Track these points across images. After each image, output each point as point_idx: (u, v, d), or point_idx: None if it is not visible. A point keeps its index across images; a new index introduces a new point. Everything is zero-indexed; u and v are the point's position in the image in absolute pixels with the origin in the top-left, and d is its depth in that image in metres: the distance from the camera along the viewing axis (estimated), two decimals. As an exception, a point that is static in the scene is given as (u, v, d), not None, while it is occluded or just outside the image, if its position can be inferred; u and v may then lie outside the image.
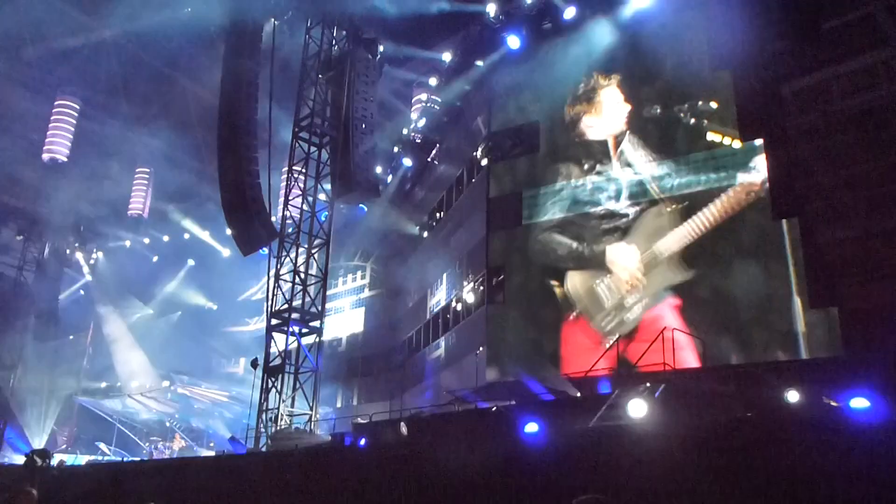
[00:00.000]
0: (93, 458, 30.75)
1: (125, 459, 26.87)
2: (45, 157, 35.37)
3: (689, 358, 15.93)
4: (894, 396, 7.43)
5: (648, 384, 10.27)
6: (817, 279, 14.92)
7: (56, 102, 35.90)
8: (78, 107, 36.27)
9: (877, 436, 7.22)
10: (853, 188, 14.51)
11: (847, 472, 7.10)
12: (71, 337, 42.84)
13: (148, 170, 41.71)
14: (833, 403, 8.18)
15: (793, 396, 9.32)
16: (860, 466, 7.04)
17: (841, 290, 14.36)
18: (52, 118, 35.51)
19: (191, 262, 42.21)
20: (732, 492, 7.77)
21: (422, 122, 28.95)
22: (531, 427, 10.73)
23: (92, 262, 43.52)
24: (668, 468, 8.27)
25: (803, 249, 15.36)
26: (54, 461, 20.18)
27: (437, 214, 27.11)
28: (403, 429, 12.98)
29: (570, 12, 20.97)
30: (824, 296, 14.70)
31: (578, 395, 14.12)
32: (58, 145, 35.56)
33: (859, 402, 7.69)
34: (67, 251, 41.92)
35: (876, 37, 14.96)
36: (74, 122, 36.06)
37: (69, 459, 27.51)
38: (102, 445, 33.26)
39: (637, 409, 9.54)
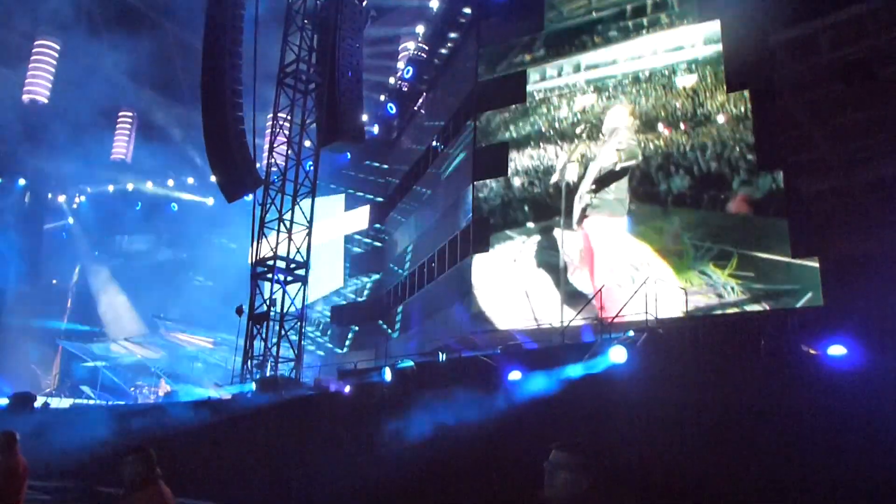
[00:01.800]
0: (78, 401, 30.90)
1: (110, 403, 27.02)
2: (25, 98, 34.74)
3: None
4: (872, 343, 7.60)
5: (631, 332, 10.42)
6: (800, 230, 15.09)
7: (35, 43, 35.17)
8: (58, 48, 35.55)
9: (851, 381, 7.41)
10: (838, 140, 14.58)
11: (822, 415, 7.29)
12: (54, 281, 42.71)
13: (131, 114, 41.17)
14: (812, 351, 8.35)
15: (769, 345, 9.50)
16: (834, 410, 7.23)
17: (823, 240, 14.54)
18: (31, 59, 34.81)
19: (174, 207, 41.85)
20: (713, 437, 7.97)
21: (408, 71, 28.65)
22: (515, 375, 10.91)
23: (75, 206, 43.15)
24: (648, 414, 8.45)
25: (787, 201, 15.51)
26: (38, 403, 20.25)
27: (424, 164, 26.99)
28: (388, 374, 13.14)
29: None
30: (807, 246, 14.88)
31: (562, 343, 14.32)
32: (38, 86, 34.93)
33: (836, 350, 7.87)
34: (49, 195, 41.54)
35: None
36: (54, 63, 35.38)
37: (53, 402, 27.63)
38: (87, 389, 33.37)
39: (617, 355, 9.70)
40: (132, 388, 32.62)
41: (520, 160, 20.63)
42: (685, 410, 8.21)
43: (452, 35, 25.67)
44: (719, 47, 17.65)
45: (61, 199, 43.38)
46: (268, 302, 20.25)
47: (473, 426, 9.63)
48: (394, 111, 30.19)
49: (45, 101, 35.79)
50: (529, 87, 20.96)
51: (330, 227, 31.74)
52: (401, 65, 30.98)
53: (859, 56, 14.48)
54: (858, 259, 13.76)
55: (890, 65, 14.14)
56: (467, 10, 24.31)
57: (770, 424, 7.66)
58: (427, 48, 27.71)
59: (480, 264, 20.52)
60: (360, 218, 32.48)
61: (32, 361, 38.86)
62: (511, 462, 8.49)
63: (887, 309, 10.29)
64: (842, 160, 14.41)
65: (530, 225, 19.88)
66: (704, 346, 10.42)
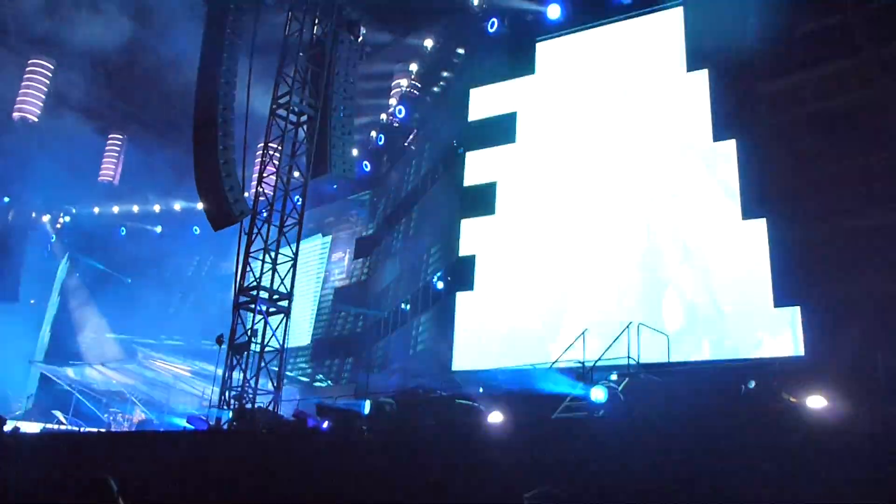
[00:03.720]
0: (48, 426, 30.33)
1: (82, 430, 26.56)
2: (16, 115, 34.62)
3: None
4: (851, 395, 7.60)
5: (614, 376, 10.40)
6: (782, 279, 15.19)
7: (29, 61, 35.16)
8: (52, 67, 35.56)
9: (832, 433, 7.40)
10: (821, 190, 14.77)
11: (801, 466, 7.25)
12: (32, 301, 42.19)
13: (121, 136, 41.11)
14: (792, 399, 8.35)
15: (750, 393, 9.51)
16: (814, 462, 7.20)
17: (805, 289, 14.63)
18: (24, 77, 34.78)
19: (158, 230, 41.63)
20: (690, 483, 7.91)
21: (400, 111, 28.85)
22: (495, 417, 10.82)
23: (58, 226, 42.81)
24: (628, 461, 8.38)
25: (770, 249, 15.62)
26: (8, 427, 19.84)
27: (411, 200, 27.05)
28: (367, 407, 13.01)
29: (553, 11, 21.04)
30: (789, 295, 14.96)
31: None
32: (29, 104, 34.85)
33: (816, 401, 7.87)
34: (33, 214, 41.21)
35: (849, 44, 15.21)
36: (48, 82, 35.37)
37: (23, 426, 27.10)
38: (59, 414, 32.78)
39: (597, 394, 9.67)
40: (106, 415, 32.08)
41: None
42: (666, 457, 8.16)
43: (445, 74, 25.94)
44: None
45: (45, 218, 43.04)
46: (249, 332, 20.04)
47: (454, 469, 9.51)
48: (383, 144, 30.32)
49: (36, 119, 35.67)
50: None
51: (313, 262, 31.71)
52: (393, 101, 31.21)
53: (843, 108, 14.76)
54: (839, 308, 13.85)
55: (873, 117, 14.41)
56: (461, 51, 24.60)
57: (751, 472, 7.62)
58: (419, 86, 27.97)
59: (464, 302, 20.47)
60: (346, 252, 32.45)
61: (4, 383, 38.17)
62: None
63: (867, 359, 10.33)
64: (825, 210, 14.58)
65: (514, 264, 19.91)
66: (686, 393, 10.40)
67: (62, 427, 30.69)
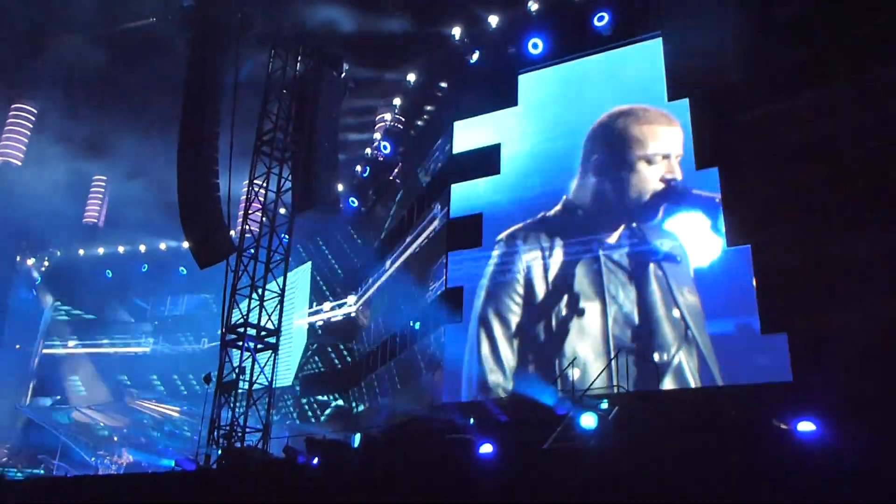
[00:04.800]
0: (35, 471, 29.89)
1: (68, 475, 26.17)
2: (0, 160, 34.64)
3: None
4: (841, 420, 7.62)
5: (604, 404, 10.38)
6: (769, 305, 15.28)
7: (13, 106, 35.27)
8: (35, 111, 35.67)
9: (822, 458, 7.40)
10: (803, 217, 14.92)
11: (791, 492, 7.24)
12: (17, 346, 41.77)
13: (104, 178, 41.10)
14: (782, 426, 8.35)
15: (740, 420, 9.50)
16: (804, 488, 7.19)
17: (791, 316, 14.70)
18: (7, 122, 34.84)
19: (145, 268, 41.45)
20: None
21: (385, 147, 29.03)
22: (486, 448, 10.75)
23: (43, 269, 42.55)
24: (619, 490, 8.34)
25: (755, 276, 15.74)
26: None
27: (398, 233, 27.10)
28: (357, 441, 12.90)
29: (535, 45, 21.36)
30: (775, 322, 15.03)
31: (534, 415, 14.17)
32: (12, 149, 34.87)
33: (806, 426, 7.88)
34: (18, 258, 40.95)
35: (825, 74, 15.49)
36: (31, 126, 35.43)
37: (10, 473, 26.70)
38: (46, 458, 32.31)
39: (588, 421, 9.65)
40: (93, 458, 31.66)
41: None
42: (657, 484, 8.13)
43: (428, 108, 26.18)
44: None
45: (30, 262, 42.78)
46: (237, 370, 19.91)
47: (441, 501, 9.42)
48: (369, 178, 30.45)
49: (19, 163, 35.67)
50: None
51: (300, 296, 31.64)
52: (378, 135, 31.41)
53: (821, 137, 14.98)
54: (827, 334, 13.90)
55: (854, 145, 14.62)
56: (443, 84, 24.86)
57: (742, 499, 7.59)
58: (403, 119, 28.18)
59: (453, 335, 20.44)
60: (333, 287, 32.39)
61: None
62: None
63: (855, 384, 10.38)
64: (809, 237, 14.71)
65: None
66: (675, 420, 10.39)
67: (49, 472, 30.25)
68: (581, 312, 18.65)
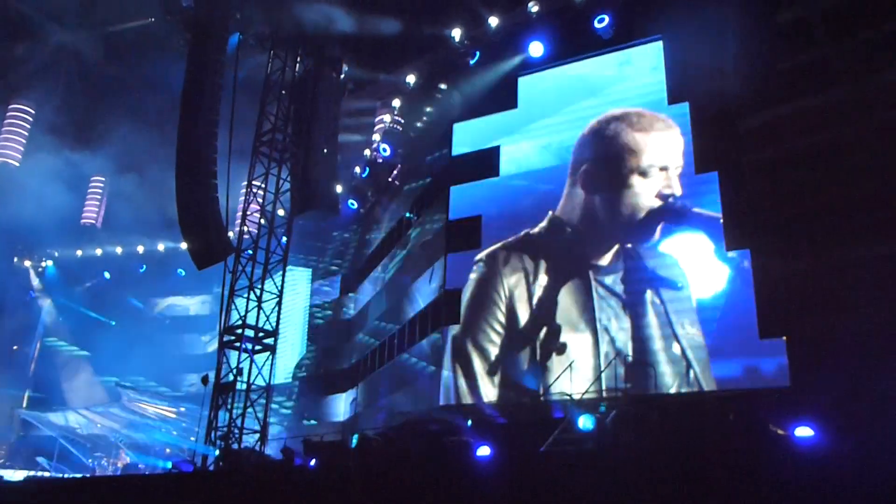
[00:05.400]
0: (31, 473, 29.79)
1: (65, 476, 26.12)
2: (-2, 161, 34.59)
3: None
4: (838, 425, 7.60)
5: (602, 409, 10.36)
6: (768, 310, 15.24)
7: (10, 107, 35.22)
8: (33, 112, 35.61)
9: (819, 463, 7.38)
10: (803, 223, 14.88)
11: (789, 497, 7.22)
12: (15, 347, 41.69)
13: (103, 179, 41.02)
14: (779, 432, 8.33)
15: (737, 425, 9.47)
16: (802, 493, 7.17)
17: (790, 321, 14.67)
18: (5, 123, 34.79)
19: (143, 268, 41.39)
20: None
21: (385, 149, 29.00)
22: (483, 451, 10.73)
23: (40, 270, 42.49)
24: (617, 492, 8.31)
25: (754, 281, 15.70)
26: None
27: (396, 235, 27.06)
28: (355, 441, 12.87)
29: (536, 49, 21.33)
30: (774, 327, 15.00)
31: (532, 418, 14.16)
32: (10, 150, 34.82)
33: (803, 431, 7.86)
34: (15, 259, 40.87)
35: (826, 79, 15.46)
36: (28, 126, 35.38)
37: (6, 474, 26.61)
38: (43, 460, 32.24)
39: (585, 422, 9.63)
40: (90, 460, 31.58)
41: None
42: (653, 488, 8.10)
43: (428, 109, 26.14)
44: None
45: (27, 263, 42.71)
46: (235, 371, 19.89)
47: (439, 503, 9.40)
48: (368, 180, 30.43)
49: (17, 164, 35.61)
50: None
51: (297, 297, 31.60)
52: (377, 137, 31.36)
53: (822, 142, 14.96)
54: (824, 340, 13.88)
55: (852, 151, 14.60)
56: (443, 86, 24.83)
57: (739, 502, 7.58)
58: (402, 121, 28.15)
59: (451, 336, 20.39)
60: (330, 288, 32.33)
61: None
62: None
63: (854, 390, 10.35)
64: (808, 241, 14.68)
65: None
66: (672, 424, 10.36)
67: (46, 474, 30.17)
68: (566, 347, 17.94)
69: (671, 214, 17.59)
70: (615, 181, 18.75)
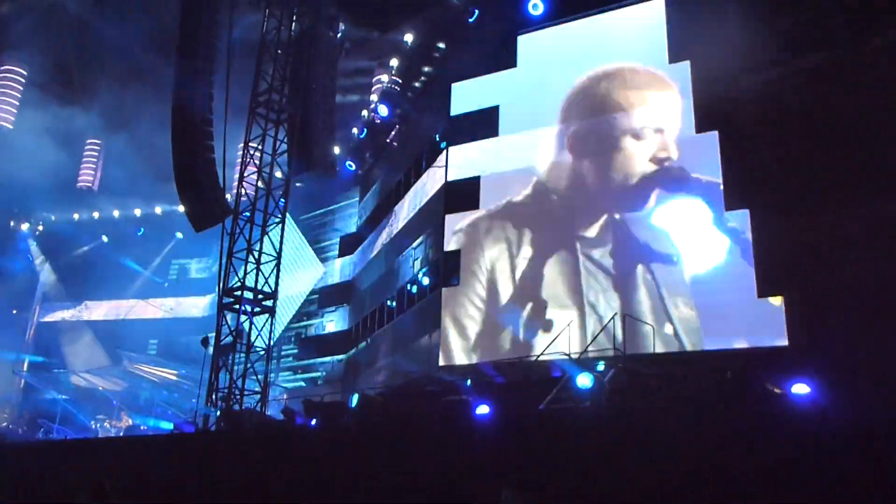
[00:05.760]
0: (36, 435, 30.08)
1: (69, 437, 26.34)
2: (-9, 123, 34.28)
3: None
4: (835, 383, 7.63)
5: (601, 366, 10.41)
6: (765, 269, 15.26)
7: (2, 68, 34.81)
8: (26, 73, 35.22)
9: (815, 420, 7.42)
10: (802, 182, 14.83)
11: (785, 455, 7.27)
12: (14, 311, 41.81)
13: (99, 141, 40.74)
14: (776, 390, 8.37)
15: (734, 383, 9.53)
16: (798, 451, 7.22)
17: (788, 279, 14.69)
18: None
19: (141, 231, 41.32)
20: (676, 475, 7.91)
21: (382, 106, 28.76)
22: (482, 409, 10.81)
23: (37, 233, 42.43)
24: (616, 450, 8.38)
25: (753, 240, 15.67)
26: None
27: (395, 196, 26.98)
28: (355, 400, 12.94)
29: (535, 7, 21.01)
30: (772, 285, 15.03)
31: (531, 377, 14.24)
32: (3, 111, 34.51)
33: (800, 389, 7.90)
34: (11, 222, 40.79)
35: (827, 37, 15.30)
36: (21, 88, 35.02)
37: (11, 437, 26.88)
38: (46, 422, 32.50)
39: (583, 380, 9.69)
40: (93, 422, 31.85)
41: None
42: (650, 446, 8.16)
43: (426, 69, 25.87)
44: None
45: (24, 226, 42.64)
46: (234, 333, 19.96)
47: (442, 461, 9.47)
48: (366, 140, 30.25)
49: (10, 126, 35.31)
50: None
51: (300, 257, 31.60)
52: (374, 97, 31.08)
53: (823, 100, 14.84)
54: (821, 298, 13.92)
55: (853, 109, 14.49)
56: (441, 45, 24.54)
57: (735, 461, 7.63)
58: (400, 81, 27.88)
59: (450, 298, 20.42)
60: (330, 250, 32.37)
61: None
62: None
63: (850, 348, 10.40)
64: (808, 201, 14.65)
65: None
66: (670, 383, 10.41)
67: (50, 435, 30.44)
68: (552, 325, 17.49)
69: (667, 180, 17.10)
70: (606, 144, 18.34)
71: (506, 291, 18.83)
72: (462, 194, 21.16)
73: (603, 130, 18.51)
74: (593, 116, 18.87)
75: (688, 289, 16.10)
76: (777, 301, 14.81)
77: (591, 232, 17.69)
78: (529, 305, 18.12)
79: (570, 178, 18.86)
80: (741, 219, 15.85)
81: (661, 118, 17.84)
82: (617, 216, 17.56)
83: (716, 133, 16.96)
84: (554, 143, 19.45)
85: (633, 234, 17.08)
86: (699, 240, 16.16)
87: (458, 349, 19.69)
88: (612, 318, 14.89)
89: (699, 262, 15.85)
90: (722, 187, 16.33)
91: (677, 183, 16.85)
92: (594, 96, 19.07)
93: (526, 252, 18.71)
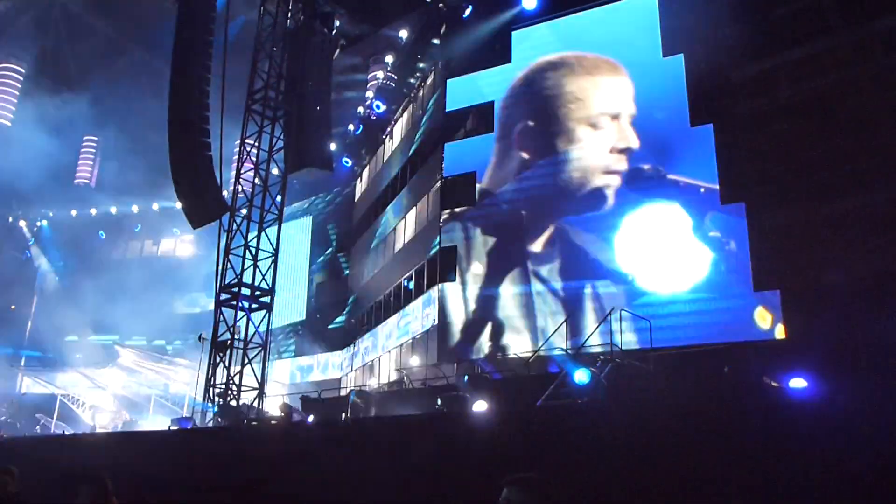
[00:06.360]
0: (34, 430, 30.11)
1: (66, 433, 26.34)
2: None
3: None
4: (831, 376, 7.66)
5: (598, 363, 10.42)
6: (762, 263, 15.27)
7: (0, 65, 34.77)
8: (23, 70, 35.16)
9: (812, 414, 7.45)
10: (797, 174, 14.85)
11: (783, 449, 7.30)
12: (13, 307, 41.78)
13: (95, 138, 40.67)
14: (773, 384, 8.40)
15: (732, 377, 9.56)
16: (794, 444, 7.25)
17: (784, 273, 14.71)
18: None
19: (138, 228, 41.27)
20: (674, 470, 7.93)
21: (378, 106, 28.74)
22: (480, 405, 10.83)
23: (36, 229, 42.39)
24: (613, 446, 8.40)
25: (749, 233, 15.67)
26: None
27: (391, 192, 26.98)
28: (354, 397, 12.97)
29: (529, 2, 21.01)
30: (768, 279, 15.05)
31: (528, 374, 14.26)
32: (1, 109, 34.46)
33: (797, 383, 7.93)
34: (10, 219, 40.75)
35: (822, 27, 15.30)
36: (19, 86, 34.98)
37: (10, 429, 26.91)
38: (43, 417, 32.55)
39: (581, 376, 9.70)
40: (90, 417, 31.86)
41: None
42: (648, 442, 8.18)
43: (421, 65, 25.86)
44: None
45: (22, 223, 42.60)
46: (231, 329, 19.96)
47: (438, 458, 9.49)
48: (361, 137, 30.24)
49: (9, 124, 35.26)
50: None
51: (296, 255, 31.60)
52: (370, 93, 31.06)
53: (818, 91, 14.85)
54: (820, 291, 13.95)
55: (848, 100, 14.50)
56: (436, 41, 24.52)
57: (733, 455, 7.66)
58: (396, 77, 27.86)
59: (447, 294, 20.43)
60: (328, 246, 32.36)
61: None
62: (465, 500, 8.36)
63: (847, 341, 10.42)
64: (803, 193, 14.67)
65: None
66: (668, 378, 10.44)
67: (47, 431, 30.48)
68: (507, 350, 17.38)
69: (638, 181, 16.56)
70: (561, 138, 17.91)
71: (459, 314, 18.51)
72: (458, 189, 21.13)
73: (556, 122, 18.00)
74: (544, 109, 18.22)
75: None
76: (765, 322, 14.63)
77: (537, 246, 16.92)
78: (489, 326, 17.79)
79: (519, 181, 18.38)
80: (726, 225, 15.24)
81: (616, 103, 17.22)
82: (566, 226, 16.72)
83: (696, 130, 16.91)
84: (496, 146, 19.05)
85: (579, 247, 16.26)
86: (674, 253, 15.35)
87: (455, 344, 19.72)
88: (610, 313, 14.87)
89: (673, 280, 14.77)
90: (703, 191, 15.99)
91: (650, 185, 16.19)
92: (542, 88, 18.62)
93: (477, 269, 18.13)
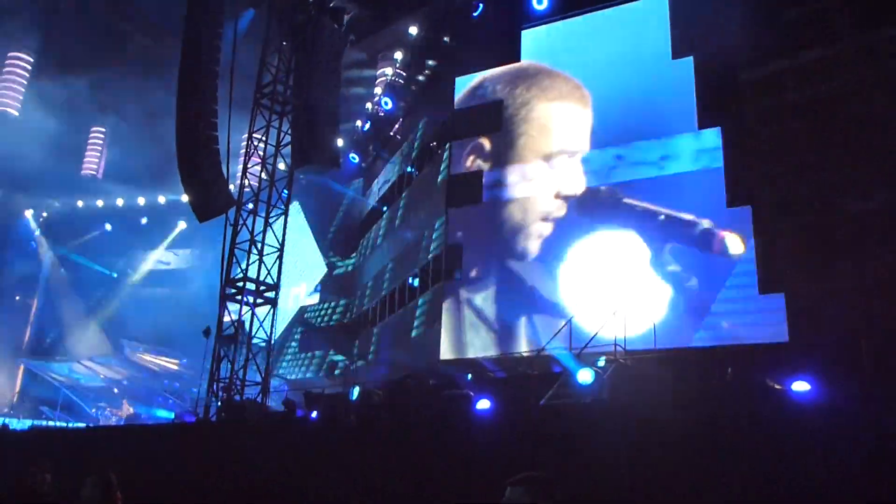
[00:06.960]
0: (36, 422, 30.21)
1: (70, 425, 26.47)
2: (-4, 109, 34.34)
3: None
4: (835, 380, 7.66)
5: (601, 361, 10.44)
6: (766, 266, 15.26)
7: (8, 55, 34.85)
8: (32, 60, 35.27)
9: (814, 417, 7.46)
10: (806, 178, 14.83)
11: (785, 451, 7.31)
12: (17, 297, 41.90)
13: (103, 129, 40.75)
14: (776, 386, 8.41)
15: (735, 379, 9.57)
16: (796, 447, 7.26)
17: (788, 276, 14.70)
18: (3, 72, 34.45)
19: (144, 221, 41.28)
20: (677, 471, 7.95)
21: (387, 103, 28.72)
22: (483, 404, 10.84)
23: (41, 220, 42.50)
24: (616, 446, 8.42)
25: (754, 236, 15.68)
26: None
27: (397, 189, 27.00)
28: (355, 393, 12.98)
29: (539, 1, 20.98)
30: (773, 282, 15.03)
31: (531, 372, 14.27)
32: (9, 98, 34.57)
33: (800, 386, 7.93)
34: (16, 208, 40.84)
35: (830, 31, 15.27)
36: (27, 76, 35.08)
37: (12, 423, 26.99)
38: (47, 409, 32.66)
39: (584, 376, 9.72)
40: (94, 409, 31.96)
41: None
42: (652, 442, 8.20)
43: (430, 62, 25.85)
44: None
45: (28, 213, 42.70)
46: (236, 324, 20.00)
47: (443, 456, 9.52)
48: (370, 133, 30.23)
49: (17, 113, 35.36)
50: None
51: (302, 247, 31.68)
52: (378, 90, 31.05)
53: (825, 95, 14.83)
54: (824, 294, 13.92)
55: (855, 104, 14.48)
56: (446, 39, 24.51)
57: (736, 457, 7.67)
58: (405, 74, 27.85)
59: (452, 291, 20.45)
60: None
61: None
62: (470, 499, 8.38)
63: (850, 345, 10.41)
64: (809, 197, 14.65)
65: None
66: (671, 379, 10.44)
67: (50, 423, 30.60)
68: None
69: (593, 204, 16.41)
70: (514, 169, 18.27)
71: (476, 303, 18.83)
72: (465, 187, 21.16)
73: (510, 151, 18.23)
74: (507, 131, 18.67)
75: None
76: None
77: (473, 270, 16.83)
78: (493, 325, 17.96)
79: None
80: (686, 258, 14.93)
81: (576, 140, 17.46)
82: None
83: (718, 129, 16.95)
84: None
85: (517, 275, 16.11)
86: (628, 287, 14.92)
87: (458, 344, 19.74)
88: (614, 313, 14.87)
89: (617, 323, 13.22)
90: (662, 217, 15.93)
91: (605, 209, 15.92)
92: (510, 105, 19.04)
93: (481, 266, 18.41)
